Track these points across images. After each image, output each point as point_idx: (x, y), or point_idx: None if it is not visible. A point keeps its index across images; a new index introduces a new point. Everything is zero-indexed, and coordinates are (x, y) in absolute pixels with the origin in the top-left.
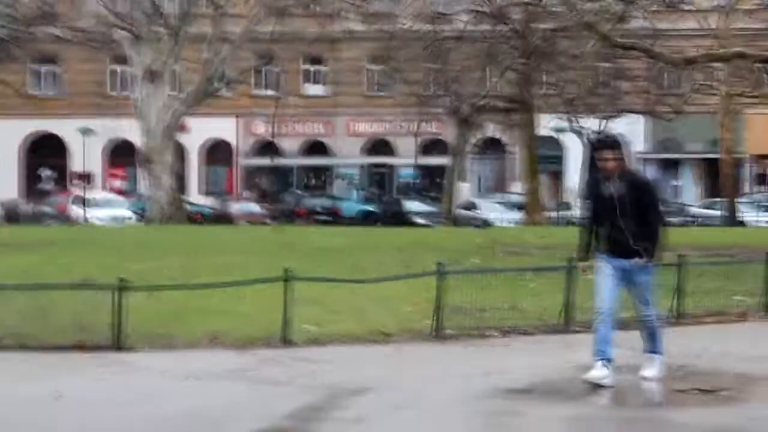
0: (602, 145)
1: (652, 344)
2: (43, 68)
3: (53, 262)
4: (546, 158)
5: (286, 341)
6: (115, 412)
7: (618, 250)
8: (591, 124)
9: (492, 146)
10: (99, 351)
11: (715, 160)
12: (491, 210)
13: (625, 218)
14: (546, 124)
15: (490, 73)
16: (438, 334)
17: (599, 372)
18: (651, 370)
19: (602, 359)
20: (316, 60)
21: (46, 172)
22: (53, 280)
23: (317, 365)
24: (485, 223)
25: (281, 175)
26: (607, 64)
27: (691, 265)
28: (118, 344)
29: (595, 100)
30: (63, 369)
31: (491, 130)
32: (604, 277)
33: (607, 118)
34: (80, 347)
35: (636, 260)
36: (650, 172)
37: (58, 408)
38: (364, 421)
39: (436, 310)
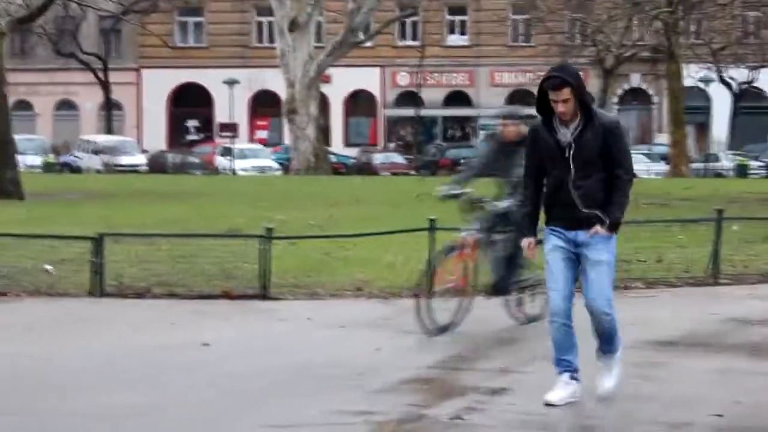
0: (556, 79)
1: (610, 343)
2: (189, 19)
3: (200, 212)
4: (692, 109)
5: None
6: (261, 360)
7: (566, 218)
8: (738, 74)
9: (636, 97)
10: (245, 299)
11: None
12: (636, 162)
13: (580, 174)
14: (692, 74)
15: (635, 22)
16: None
17: (563, 391)
18: (609, 379)
19: (566, 371)
20: (459, 10)
21: (190, 124)
22: (200, 230)
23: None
24: None
25: (424, 126)
26: (754, 13)
27: None
28: (263, 293)
29: (743, 50)
30: (210, 317)
31: (636, 80)
32: (553, 260)
33: (755, 68)
34: (227, 295)
35: (596, 230)
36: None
37: (205, 355)
38: (510, 372)
39: None
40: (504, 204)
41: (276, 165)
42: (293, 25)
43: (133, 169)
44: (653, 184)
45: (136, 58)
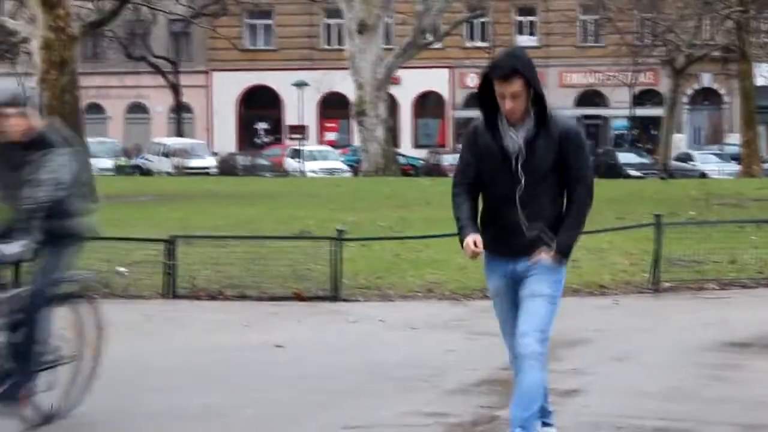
0: (506, 67)
1: (527, 408)
2: (258, 22)
3: (270, 214)
4: (764, 108)
5: None
6: (334, 361)
7: (507, 244)
8: None
9: (707, 96)
10: (316, 301)
11: None
12: (707, 162)
13: (529, 190)
14: (764, 73)
15: (706, 21)
16: (655, 286)
17: None
18: None
19: (541, 422)
20: (527, 11)
21: (260, 126)
22: (271, 232)
23: None
24: (702, 175)
25: None
26: None
27: None
28: (335, 294)
29: None
30: (282, 318)
31: (707, 80)
32: (501, 307)
33: None
34: (298, 297)
35: (540, 257)
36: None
37: (279, 356)
38: (582, 373)
39: (654, 262)
40: (9, 249)
41: (345, 167)
42: (362, 27)
43: (203, 172)
44: (724, 184)
45: (206, 61)
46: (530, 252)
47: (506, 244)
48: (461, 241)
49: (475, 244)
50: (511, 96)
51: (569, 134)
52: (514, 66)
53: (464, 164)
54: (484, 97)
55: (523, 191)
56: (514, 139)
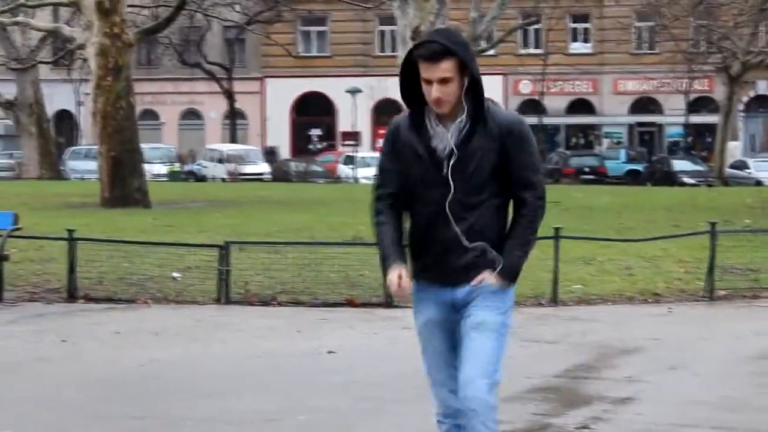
0: (434, 45)
1: None
2: (312, 29)
3: (324, 220)
4: None
5: (555, 300)
6: (386, 367)
7: (441, 267)
8: None
9: (763, 104)
10: (369, 307)
11: None
12: (762, 169)
13: (465, 199)
14: None
15: (762, 28)
16: (709, 294)
17: None
18: None
19: None
20: (581, 18)
21: (313, 132)
22: (324, 238)
23: (586, 324)
24: (757, 183)
25: (547, 134)
26: None
27: None
28: (387, 301)
29: None
30: (335, 324)
31: (762, 87)
32: (429, 342)
33: None
34: (351, 303)
35: (483, 278)
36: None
37: (332, 362)
38: (636, 381)
39: (708, 270)
40: None
41: None
42: (416, 34)
43: (257, 178)
44: None
45: (260, 68)
46: (471, 275)
47: (441, 268)
48: (383, 275)
49: (400, 278)
50: (439, 82)
51: (512, 130)
52: (443, 44)
53: (384, 172)
54: (408, 86)
55: (458, 202)
56: (444, 138)
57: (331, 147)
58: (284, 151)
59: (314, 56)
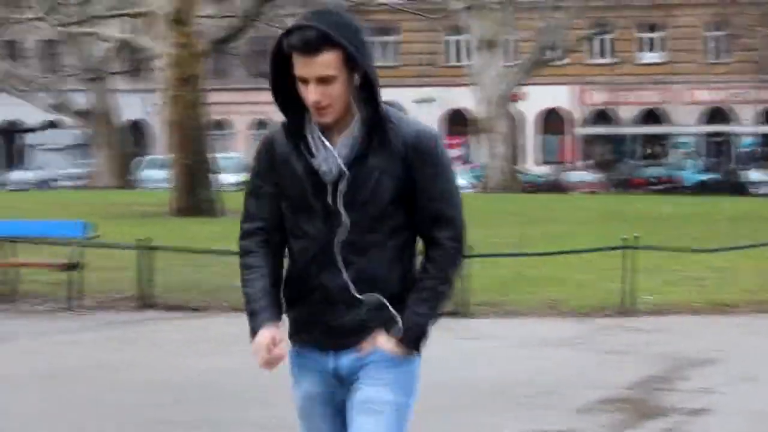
0: (309, 32)
1: None
2: (381, 39)
3: None
4: None
5: (625, 310)
6: (456, 377)
7: (323, 326)
8: None
9: None
10: (441, 316)
11: None
12: None
13: (357, 236)
14: None
15: None
16: None
17: None
18: None
19: None
20: (651, 27)
21: None
22: None
23: (657, 335)
24: None
25: (617, 143)
26: None
27: None
28: (457, 310)
29: None
30: None
31: None
32: (310, 421)
33: None
34: None
35: (377, 342)
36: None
37: None
38: (709, 393)
39: None
40: None
41: (466, 183)
42: (485, 44)
43: None
44: None
45: None
46: (360, 338)
47: (322, 327)
48: (251, 334)
49: (273, 343)
50: (317, 81)
51: (421, 146)
52: (321, 30)
53: (253, 199)
54: (282, 85)
55: (348, 240)
56: (329, 157)
57: None
58: None
59: (383, 66)
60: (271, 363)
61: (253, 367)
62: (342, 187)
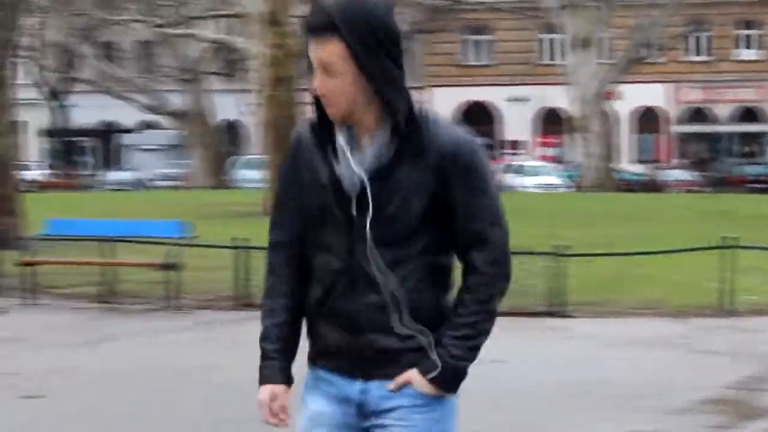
0: (314, 19)
1: None
2: (475, 38)
3: None
4: None
5: (725, 310)
6: (553, 377)
7: (348, 349)
8: None
9: None
10: (535, 316)
11: None
12: None
13: (385, 253)
14: None
15: None
16: None
17: None
18: None
19: None
20: (748, 24)
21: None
22: None
23: (757, 335)
24: None
25: (713, 142)
26: None
27: None
28: (554, 310)
29: None
30: (500, 333)
31: None
32: None
33: None
34: (519, 312)
35: (408, 378)
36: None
37: (496, 371)
38: None
39: None
40: None
41: (561, 182)
42: (580, 42)
43: None
44: None
45: (423, 77)
46: (394, 369)
47: (349, 351)
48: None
49: (274, 402)
50: (320, 69)
51: (458, 157)
52: (327, 14)
53: (280, 207)
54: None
55: (375, 258)
56: (351, 164)
57: (494, 156)
58: None
59: (477, 65)
60: (271, 421)
61: None
62: (366, 200)
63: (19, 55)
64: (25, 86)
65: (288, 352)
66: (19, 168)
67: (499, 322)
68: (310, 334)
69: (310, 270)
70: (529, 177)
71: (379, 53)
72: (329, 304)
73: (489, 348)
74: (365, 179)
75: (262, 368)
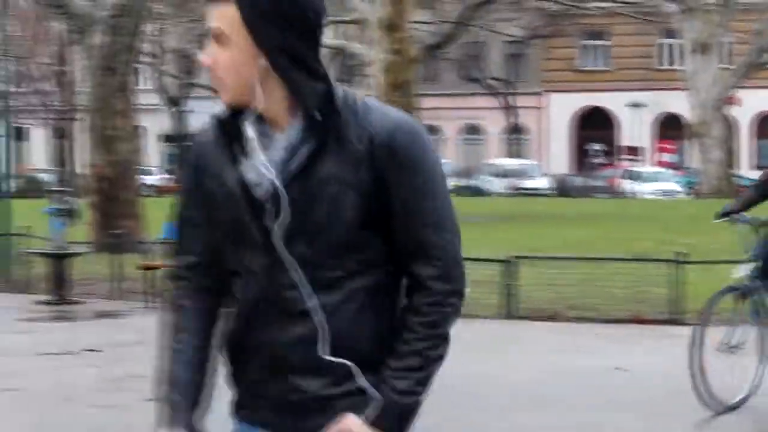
0: None
1: None
2: (592, 43)
3: (606, 235)
4: None
5: None
6: (675, 386)
7: (268, 392)
8: None
9: None
10: (655, 324)
11: None
12: None
13: (313, 269)
14: None
15: None
16: None
17: None
18: None
19: None
20: None
21: (594, 147)
22: (607, 253)
23: None
24: None
25: None
26: None
27: None
28: (675, 318)
29: None
30: (620, 341)
31: None
32: None
33: None
34: (637, 320)
35: (343, 426)
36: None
37: (618, 379)
38: None
39: None
40: None
41: (680, 188)
42: (700, 47)
43: (536, 193)
44: None
45: (540, 82)
46: (325, 419)
47: (273, 401)
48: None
49: None
50: (212, 39)
51: (393, 145)
52: None
53: (183, 226)
54: None
55: (300, 281)
56: (262, 160)
57: (612, 162)
58: (563, 166)
59: (595, 70)
60: None
61: (486, 373)
62: (281, 208)
63: (140, 61)
64: (145, 92)
65: (188, 400)
66: (140, 173)
67: (620, 330)
68: (229, 377)
69: (229, 299)
70: (647, 183)
71: (283, 26)
72: (249, 340)
73: (607, 355)
74: (274, 179)
75: (163, 412)
